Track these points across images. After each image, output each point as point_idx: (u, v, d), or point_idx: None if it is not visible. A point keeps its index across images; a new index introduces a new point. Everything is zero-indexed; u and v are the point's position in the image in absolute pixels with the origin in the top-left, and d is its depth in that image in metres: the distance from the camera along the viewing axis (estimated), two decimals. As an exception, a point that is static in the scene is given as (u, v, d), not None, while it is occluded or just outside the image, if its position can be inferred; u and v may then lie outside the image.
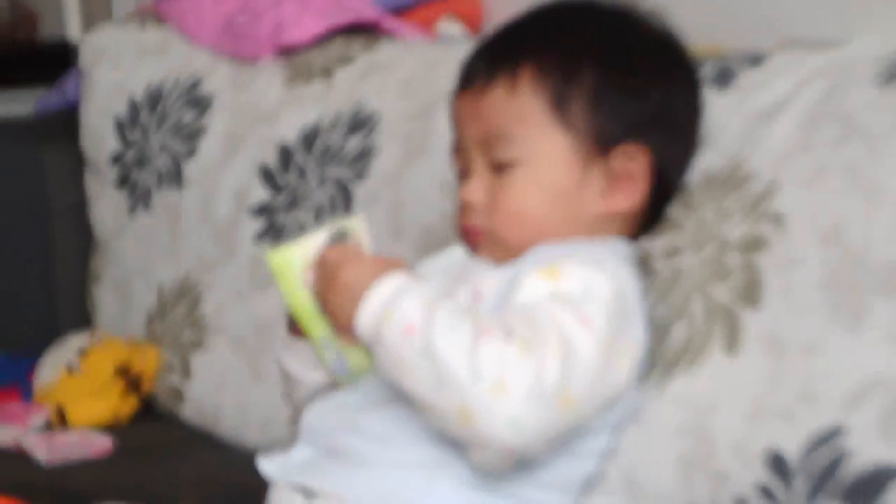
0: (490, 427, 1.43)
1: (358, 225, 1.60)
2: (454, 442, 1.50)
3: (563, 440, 1.51)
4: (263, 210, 2.34)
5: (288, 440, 1.70)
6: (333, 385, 1.66)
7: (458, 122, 1.69)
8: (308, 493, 1.57)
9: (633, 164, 1.63)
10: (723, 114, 1.71)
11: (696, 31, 1.80)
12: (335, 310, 1.54)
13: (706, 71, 1.76)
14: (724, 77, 1.75)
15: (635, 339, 1.55)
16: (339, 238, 1.58)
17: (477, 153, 1.65)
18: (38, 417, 2.34)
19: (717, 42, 1.90)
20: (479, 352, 1.42)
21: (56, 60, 3.55)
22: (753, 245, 1.57)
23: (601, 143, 1.62)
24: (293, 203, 2.28)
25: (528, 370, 1.42)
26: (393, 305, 1.48)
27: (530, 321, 1.45)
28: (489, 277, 1.60)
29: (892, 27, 1.69)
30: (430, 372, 1.44)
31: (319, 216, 2.11)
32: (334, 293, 1.54)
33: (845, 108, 1.57)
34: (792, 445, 1.43)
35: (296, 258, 1.59)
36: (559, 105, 1.62)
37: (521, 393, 1.41)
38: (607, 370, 1.49)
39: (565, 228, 1.62)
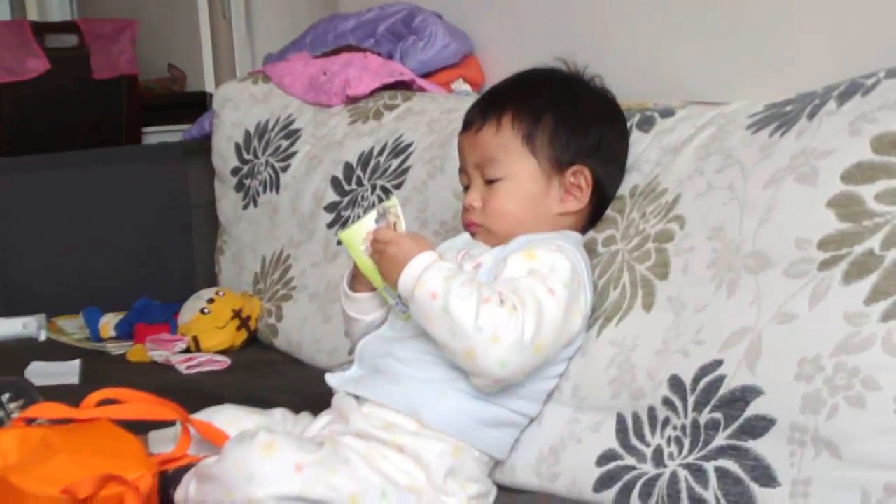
0: (486, 365, 1.45)
1: (393, 203, 1.61)
2: (460, 367, 1.50)
3: (535, 371, 1.52)
4: (333, 207, 2.33)
5: (346, 363, 1.70)
6: (381, 325, 1.66)
7: (461, 152, 1.70)
8: (359, 399, 1.57)
9: (580, 180, 1.63)
10: (645, 148, 1.70)
11: (627, 90, 1.80)
12: (384, 273, 1.56)
13: (634, 119, 1.75)
14: (646, 123, 1.74)
15: (585, 301, 1.55)
16: (383, 214, 1.60)
17: (475, 173, 1.66)
18: (180, 344, 2.34)
19: (642, 98, 1.89)
20: (480, 313, 1.44)
21: (197, 105, 3.55)
22: (664, 237, 1.55)
23: (558, 165, 1.63)
24: (353, 203, 2.28)
25: (514, 327, 1.44)
26: (423, 276, 1.49)
27: (516, 291, 1.47)
28: (486, 254, 1.60)
29: (756, 94, 1.68)
30: (447, 324, 1.46)
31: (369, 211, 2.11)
32: (384, 262, 1.56)
33: (727, 146, 1.56)
34: (687, 372, 1.42)
35: (358, 233, 1.60)
36: (529, 140, 1.62)
37: (509, 343, 1.44)
38: (566, 323, 1.51)
39: (535, 223, 1.62)
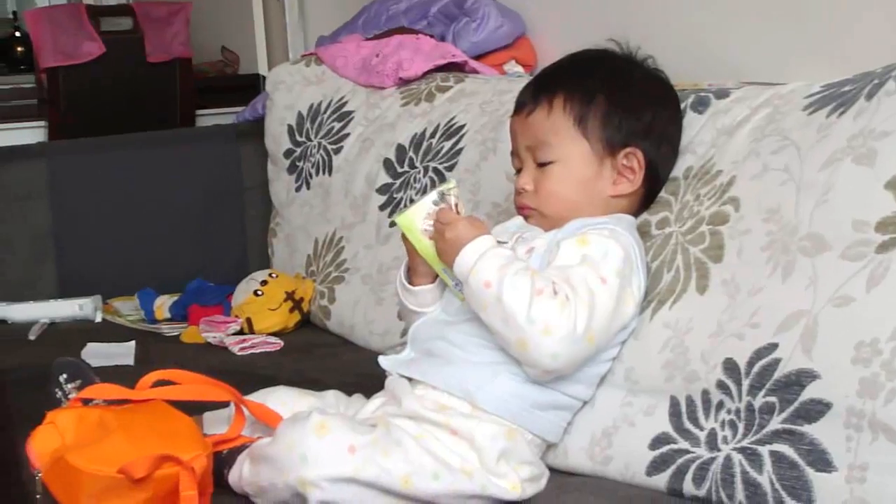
0: (538, 356, 1.46)
1: (453, 185, 1.60)
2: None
3: (587, 362, 1.52)
4: (385, 189, 2.33)
5: (399, 346, 1.71)
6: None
7: (513, 135, 1.69)
8: (412, 381, 1.58)
9: (633, 162, 1.62)
10: (700, 130, 1.69)
11: (682, 71, 1.78)
12: (442, 255, 1.56)
13: (688, 100, 1.74)
14: (701, 104, 1.72)
15: (638, 286, 1.55)
16: (442, 197, 1.58)
17: (527, 156, 1.65)
18: (234, 325, 2.36)
19: (697, 79, 1.87)
20: (533, 305, 1.44)
21: (250, 87, 3.56)
22: (719, 220, 1.54)
23: (610, 147, 1.62)
24: (405, 185, 2.28)
25: (566, 320, 1.44)
26: (478, 264, 1.49)
27: (568, 280, 1.47)
28: (539, 238, 1.59)
29: (812, 75, 1.66)
30: (499, 313, 1.47)
31: (422, 194, 2.11)
32: (441, 244, 1.56)
33: (782, 127, 1.55)
34: (742, 356, 1.41)
35: (416, 216, 1.59)
36: (581, 122, 1.62)
37: (561, 335, 1.44)
38: (618, 311, 1.51)
39: (588, 206, 1.61)
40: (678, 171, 1.67)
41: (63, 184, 2.69)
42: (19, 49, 4.79)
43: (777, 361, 1.37)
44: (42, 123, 3.51)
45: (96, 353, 2.18)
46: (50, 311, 2.54)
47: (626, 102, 1.63)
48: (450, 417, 1.50)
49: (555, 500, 1.48)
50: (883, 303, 1.29)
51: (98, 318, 2.54)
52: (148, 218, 2.73)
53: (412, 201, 1.64)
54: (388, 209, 2.29)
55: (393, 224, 1.65)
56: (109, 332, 2.43)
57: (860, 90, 1.46)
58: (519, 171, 1.67)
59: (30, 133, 3.47)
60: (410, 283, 1.68)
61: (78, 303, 2.55)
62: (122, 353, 2.23)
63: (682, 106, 1.72)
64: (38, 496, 1.48)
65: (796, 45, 1.93)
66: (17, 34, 4.86)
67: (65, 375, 1.80)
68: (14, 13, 5.17)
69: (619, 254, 1.52)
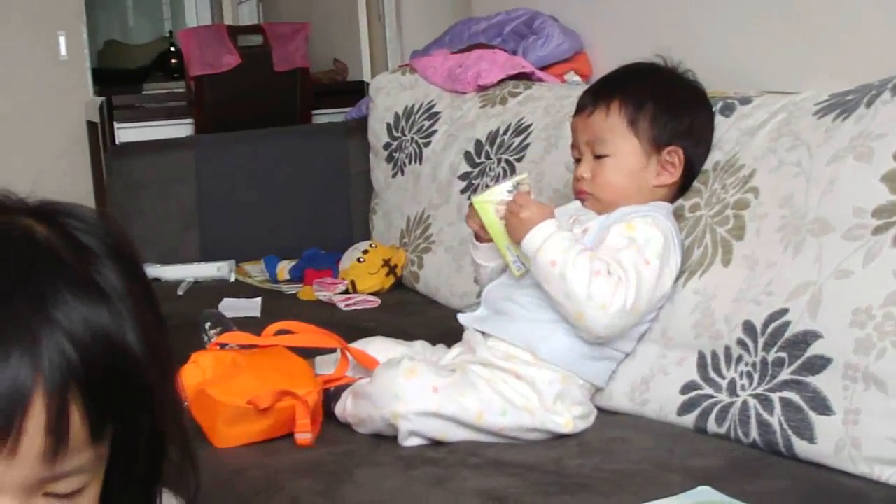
0: (593, 327, 1.47)
1: (525, 177, 1.59)
2: None
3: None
4: (465, 176, 2.33)
5: (474, 305, 1.71)
6: (502, 272, 1.65)
7: (574, 131, 1.68)
8: (484, 335, 1.58)
9: (674, 158, 1.61)
10: (726, 130, 1.67)
11: (713, 81, 1.76)
12: (513, 232, 1.54)
13: (718, 105, 1.71)
14: (728, 109, 1.70)
15: (676, 263, 1.54)
16: (516, 185, 1.57)
17: (586, 149, 1.64)
18: (341, 286, 2.38)
19: (725, 88, 1.85)
20: (592, 284, 1.44)
21: (356, 92, 3.57)
22: (741, 205, 1.53)
23: (656, 145, 1.60)
24: (482, 173, 2.28)
25: (619, 298, 1.45)
26: (545, 245, 1.49)
27: (620, 262, 1.47)
28: (593, 221, 1.59)
29: (822, 85, 1.63)
30: (563, 289, 1.46)
31: (496, 181, 2.10)
32: (514, 223, 1.54)
33: (796, 129, 1.52)
34: (758, 318, 1.40)
35: (491, 199, 1.58)
36: (633, 124, 1.60)
37: (614, 311, 1.45)
38: (658, 287, 1.50)
39: (635, 193, 1.60)
40: (708, 164, 1.65)
41: (206, 169, 2.73)
42: (173, 61, 4.86)
43: (787, 324, 1.35)
44: (190, 121, 3.55)
45: (230, 307, 2.21)
46: (194, 272, 2.58)
47: (671, 108, 1.62)
48: (515, 365, 1.50)
49: (602, 434, 1.48)
50: (877, 276, 1.28)
51: (232, 278, 2.57)
52: (273, 197, 2.75)
53: (487, 186, 1.62)
54: (468, 193, 2.28)
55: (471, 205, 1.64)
56: (241, 289, 2.46)
57: (860, 99, 1.44)
58: (577, 161, 1.66)
59: (180, 128, 3.51)
60: (478, 239, 1.66)
61: (216, 265, 2.59)
62: (251, 306, 2.26)
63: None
64: (183, 421, 1.52)
65: (808, 61, 1.90)
66: (172, 49, 4.94)
67: (209, 323, 1.83)
68: (170, 32, 5.27)
69: (660, 239, 1.51)
